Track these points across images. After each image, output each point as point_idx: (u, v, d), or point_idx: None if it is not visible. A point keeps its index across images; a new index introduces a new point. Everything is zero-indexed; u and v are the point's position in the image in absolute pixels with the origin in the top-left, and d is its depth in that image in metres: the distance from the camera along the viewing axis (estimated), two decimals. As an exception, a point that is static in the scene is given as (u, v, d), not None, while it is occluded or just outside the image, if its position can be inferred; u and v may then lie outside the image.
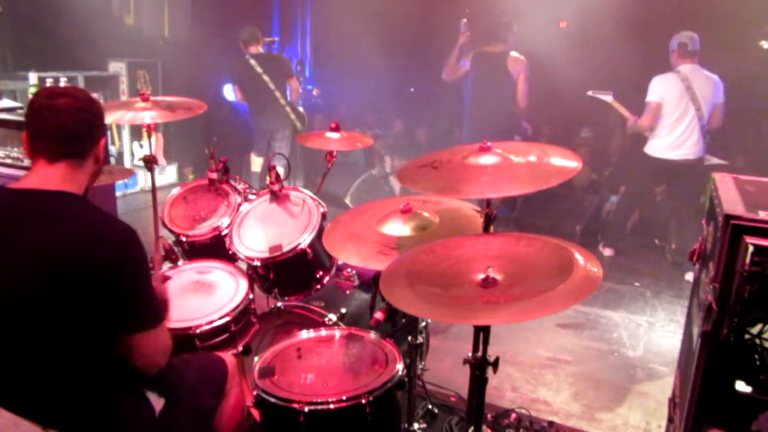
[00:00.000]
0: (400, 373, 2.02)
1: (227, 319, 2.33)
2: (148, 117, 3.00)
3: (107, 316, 1.58)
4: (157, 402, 1.76)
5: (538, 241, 1.76)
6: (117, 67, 6.84)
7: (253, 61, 5.58)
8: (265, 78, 5.57)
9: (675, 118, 4.73)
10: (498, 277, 1.62)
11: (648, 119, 4.82)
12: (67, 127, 1.65)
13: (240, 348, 2.38)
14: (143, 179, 6.89)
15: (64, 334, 1.55)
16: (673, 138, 4.77)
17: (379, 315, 2.11)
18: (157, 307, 1.72)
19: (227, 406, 2.03)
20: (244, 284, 2.52)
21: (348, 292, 2.79)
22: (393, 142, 7.30)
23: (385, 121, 7.76)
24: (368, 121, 7.83)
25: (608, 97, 5.05)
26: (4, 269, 1.53)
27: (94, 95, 1.82)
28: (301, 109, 5.94)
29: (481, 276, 1.62)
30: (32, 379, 1.58)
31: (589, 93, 5.15)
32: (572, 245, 1.72)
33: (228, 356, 2.15)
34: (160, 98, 3.16)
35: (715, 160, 5.08)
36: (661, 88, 4.76)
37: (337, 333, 2.28)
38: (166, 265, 2.77)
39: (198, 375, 1.97)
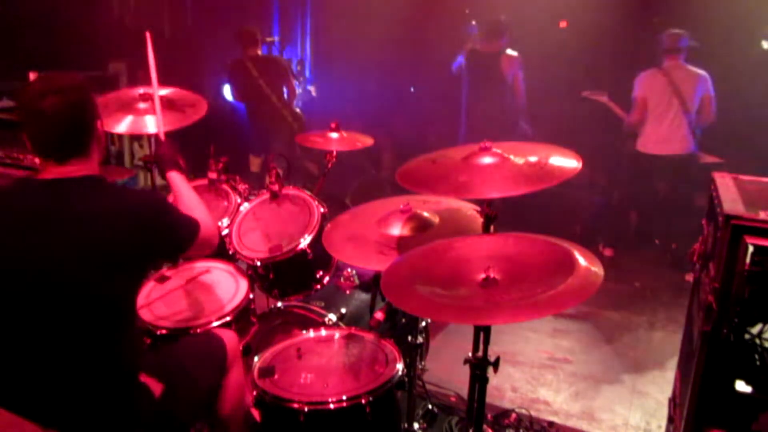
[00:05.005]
0: (400, 373, 2.02)
1: (227, 319, 2.33)
2: (151, 123, 2.91)
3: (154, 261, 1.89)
4: (156, 386, 1.78)
5: (538, 241, 1.76)
6: (117, 67, 6.84)
7: (249, 65, 5.55)
8: (261, 82, 5.55)
9: (659, 112, 4.74)
10: (498, 277, 1.62)
11: (635, 115, 4.83)
12: (64, 132, 1.67)
13: (240, 348, 2.38)
14: (143, 179, 6.88)
15: (97, 311, 1.63)
16: (660, 133, 4.78)
17: (379, 315, 2.11)
18: (189, 223, 1.85)
19: (229, 381, 2.07)
20: (244, 284, 2.51)
21: (348, 292, 2.79)
22: (393, 142, 7.29)
23: (385, 121, 7.74)
24: (368, 120, 7.81)
25: (603, 98, 5.03)
26: (48, 254, 1.58)
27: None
28: (298, 110, 5.91)
29: (482, 276, 1.62)
30: (36, 372, 1.61)
31: (584, 94, 5.12)
32: (573, 245, 1.72)
33: (226, 333, 2.17)
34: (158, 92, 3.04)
35: (709, 159, 5.06)
36: (644, 83, 4.78)
37: (337, 333, 2.28)
38: (166, 265, 2.77)
39: (198, 356, 2.01)
